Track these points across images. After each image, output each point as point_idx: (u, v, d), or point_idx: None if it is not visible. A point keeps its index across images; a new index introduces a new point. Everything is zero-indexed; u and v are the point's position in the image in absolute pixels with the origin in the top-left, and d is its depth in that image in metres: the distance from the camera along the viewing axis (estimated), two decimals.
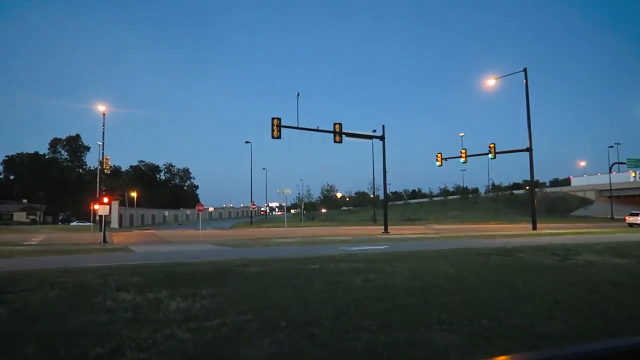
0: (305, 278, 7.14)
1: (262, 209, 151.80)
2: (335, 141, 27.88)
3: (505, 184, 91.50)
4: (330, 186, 72.38)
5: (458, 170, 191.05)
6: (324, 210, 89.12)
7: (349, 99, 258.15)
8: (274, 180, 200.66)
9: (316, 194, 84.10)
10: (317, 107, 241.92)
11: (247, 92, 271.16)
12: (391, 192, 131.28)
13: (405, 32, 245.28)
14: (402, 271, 7.91)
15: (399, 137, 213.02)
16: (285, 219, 29.81)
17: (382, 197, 67.29)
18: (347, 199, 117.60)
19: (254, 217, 73.44)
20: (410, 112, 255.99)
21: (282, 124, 26.23)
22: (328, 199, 73.50)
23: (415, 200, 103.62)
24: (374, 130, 37.47)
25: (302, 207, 63.65)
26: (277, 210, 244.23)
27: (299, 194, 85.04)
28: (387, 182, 30.00)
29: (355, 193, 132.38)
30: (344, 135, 28.20)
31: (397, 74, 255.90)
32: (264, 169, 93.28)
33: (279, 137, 25.94)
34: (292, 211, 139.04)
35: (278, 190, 27.69)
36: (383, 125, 30.47)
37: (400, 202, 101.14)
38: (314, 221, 68.22)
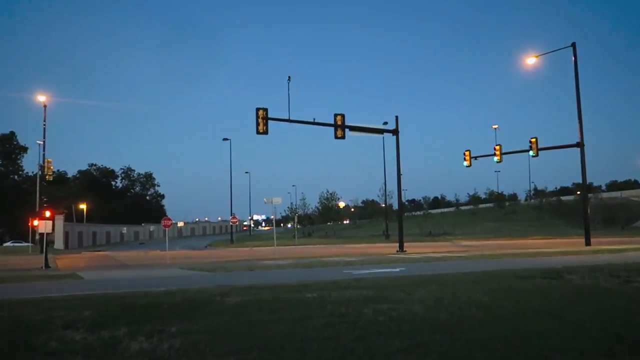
0: (300, 310, 7.14)
1: (245, 223, 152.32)
2: (336, 137, 27.95)
3: (550, 188, 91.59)
4: (331, 194, 72.51)
5: (491, 172, 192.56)
6: (328, 224, 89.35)
7: (353, 89, 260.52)
8: (259, 188, 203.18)
9: (313, 204, 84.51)
10: (313, 100, 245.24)
11: (229, 83, 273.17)
12: (408, 201, 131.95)
13: (417, 5, 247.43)
14: (422, 299, 7.93)
15: (415, 135, 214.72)
16: (275, 235, 29.83)
17: (396, 206, 68.21)
18: (352, 209, 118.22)
19: (235, 233, 73.38)
20: (426, 105, 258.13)
21: (270, 115, 26.34)
22: (328, 209, 73.58)
23: (438, 210, 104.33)
24: (385, 123, 37.67)
25: (296, 220, 63.67)
26: (263, 224, 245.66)
27: (292, 204, 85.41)
28: (403, 187, 30.20)
29: (363, 202, 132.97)
30: (347, 130, 28.32)
31: (409, 59, 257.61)
32: (246, 172, 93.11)
33: (265, 133, 26.01)
34: (284, 226, 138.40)
35: (265, 200, 27.67)
36: (396, 117, 30.61)
37: (419, 213, 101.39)
38: (310, 238, 68.24)
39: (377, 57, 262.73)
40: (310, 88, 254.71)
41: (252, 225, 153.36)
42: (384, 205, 63.93)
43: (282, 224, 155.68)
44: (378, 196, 65.99)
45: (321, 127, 29.14)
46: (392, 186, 63.86)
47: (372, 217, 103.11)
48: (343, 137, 28.13)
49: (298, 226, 76.45)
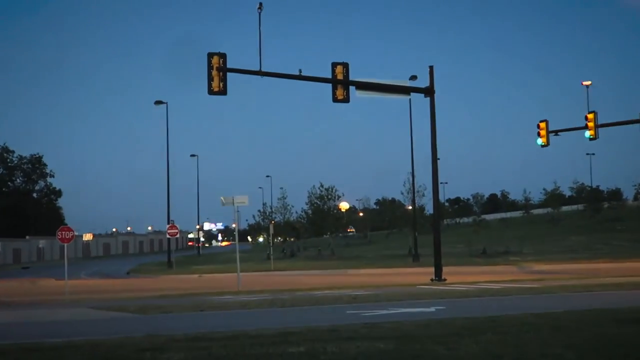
0: None
1: (192, 236, 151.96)
2: (336, 99, 28.00)
3: None
4: (327, 190, 72.27)
5: (578, 156, 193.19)
6: (323, 237, 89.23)
7: (359, 31, 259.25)
8: (214, 182, 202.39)
9: (299, 206, 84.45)
10: (299, 46, 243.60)
11: (167, 17, 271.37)
12: (448, 201, 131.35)
13: None
14: (471, 357, 8.01)
15: (457, 101, 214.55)
16: (238, 255, 29.79)
17: (429, 209, 67.73)
18: (361, 214, 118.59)
19: (176, 252, 73.29)
20: (472, 57, 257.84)
21: (231, 65, 26.31)
22: (323, 214, 73.52)
23: (497, 216, 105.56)
24: (413, 78, 37.70)
25: (271, 231, 63.50)
26: (220, 238, 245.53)
27: (265, 205, 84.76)
28: (441, 180, 30.32)
29: (377, 203, 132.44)
30: (353, 89, 28.36)
31: None
32: (193, 155, 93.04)
33: (222, 92, 25.99)
34: (252, 240, 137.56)
35: (222, 200, 27.60)
36: (431, 68, 30.62)
37: (467, 220, 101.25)
38: (295, 259, 68.19)
39: None
40: (294, 28, 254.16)
41: (202, 239, 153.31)
42: (410, 207, 63.99)
43: (249, 238, 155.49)
44: (401, 194, 65.16)
45: (312, 84, 29.11)
46: (423, 178, 63.88)
47: (392, 227, 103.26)
48: (346, 100, 28.12)
49: (276, 240, 76.34)
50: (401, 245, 69.52)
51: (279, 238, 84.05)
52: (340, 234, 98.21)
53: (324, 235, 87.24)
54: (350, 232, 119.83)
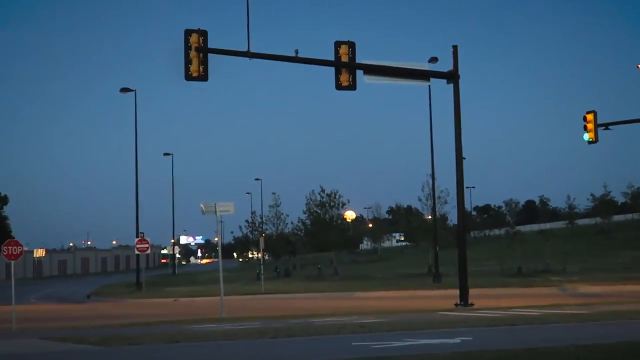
0: None
1: (165, 251, 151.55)
2: (340, 86, 28.03)
3: None
4: (330, 195, 72.15)
5: (634, 155, 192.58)
6: (324, 253, 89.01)
7: (365, 11, 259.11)
8: (193, 187, 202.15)
9: (296, 214, 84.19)
10: (296, 26, 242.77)
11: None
12: (476, 209, 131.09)
13: None
14: None
15: (484, 90, 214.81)
16: (222, 274, 29.71)
17: (453, 219, 67.30)
18: (370, 225, 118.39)
19: (147, 271, 73.27)
20: (497, 42, 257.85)
21: (212, 45, 26.36)
22: (324, 225, 73.41)
23: (534, 227, 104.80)
24: (433, 60, 37.84)
25: (262, 245, 63.31)
26: (200, 254, 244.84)
27: (254, 214, 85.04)
28: (467, 183, 30.26)
29: (390, 212, 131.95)
30: (361, 73, 28.38)
31: None
32: (167, 154, 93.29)
33: (201, 78, 26.04)
34: (239, 256, 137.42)
35: (203, 208, 27.54)
36: (454, 47, 30.57)
37: (498, 232, 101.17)
38: (291, 279, 67.95)
39: None
40: (290, 2, 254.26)
41: (178, 255, 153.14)
42: (430, 216, 64.01)
43: (235, 254, 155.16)
44: (419, 200, 65.26)
45: (311, 69, 29.16)
46: (445, 182, 63.79)
47: (408, 240, 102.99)
48: (352, 87, 28.13)
49: (265, 258, 76.24)
50: (419, 263, 69.33)
51: (270, 255, 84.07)
52: (346, 249, 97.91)
53: (326, 251, 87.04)
54: (360, 247, 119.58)
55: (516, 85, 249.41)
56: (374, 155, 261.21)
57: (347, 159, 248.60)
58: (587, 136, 34.27)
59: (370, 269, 78.63)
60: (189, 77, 26.06)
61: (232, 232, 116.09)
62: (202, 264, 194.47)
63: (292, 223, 77.43)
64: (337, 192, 70.26)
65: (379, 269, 76.92)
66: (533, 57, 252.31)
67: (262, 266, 59.28)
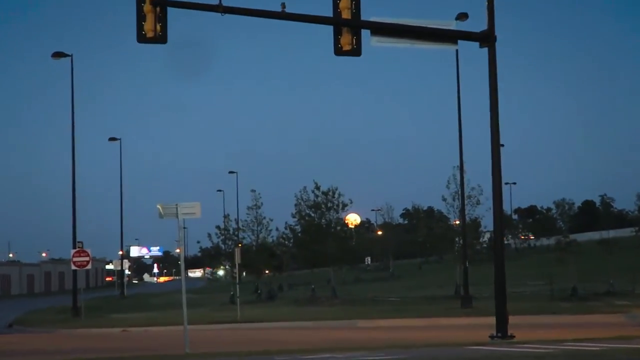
0: None
1: (111, 267, 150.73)
2: (340, 50, 28.07)
3: None
4: (326, 194, 72.05)
5: None
6: (318, 270, 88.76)
7: None
8: (148, 185, 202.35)
9: (282, 218, 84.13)
10: None
11: None
12: (517, 211, 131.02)
13: None
14: None
15: (523, 66, 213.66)
16: (185, 296, 29.69)
17: (488, 224, 67.37)
18: (379, 233, 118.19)
19: (87, 292, 73.05)
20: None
21: None
22: (320, 232, 73.36)
23: (593, 235, 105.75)
24: (461, 17, 37.77)
25: (237, 258, 62.93)
26: (156, 270, 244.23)
27: (227, 217, 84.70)
28: (507, 179, 30.26)
29: (406, 216, 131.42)
30: (367, 33, 28.41)
31: None
32: (113, 139, 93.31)
33: (158, 39, 26.08)
34: (208, 273, 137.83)
35: (160, 210, 27.47)
36: (489, 1, 30.54)
37: (546, 242, 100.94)
38: (275, 302, 68.11)
39: None
40: None
41: (128, 272, 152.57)
42: (457, 222, 63.96)
43: (202, 270, 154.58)
44: (443, 200, 64.98)
45: (302, 30, 29.05)
46: (477, 177, 63.75)
47: (427, 253, 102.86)
48: (355, 53, 28.15)
49: (244, 275, 76.10)
50: (443, 281, 69.49)
51: (248, 271, 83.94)
52: (348, 265, 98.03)
53: (321, 267, 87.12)
54: (367, 262, 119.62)
55: (568, 52, 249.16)
56: (383, 143, 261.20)
57: (348, 148, 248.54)
58: None
59: (379, 289, 78.91)
60: (142, 38, 26.06)
61: (198, 242, 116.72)
62: (160, 282, 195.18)
63: (277, 230, 77.64)
64: (337, 189, 70.31)
65: (391, 289, 77.16)
66: (590, 23, 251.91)
67: (237, 286, 59.00)
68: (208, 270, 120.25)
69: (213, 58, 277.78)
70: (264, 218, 75.45)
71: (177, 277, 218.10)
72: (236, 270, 62.23)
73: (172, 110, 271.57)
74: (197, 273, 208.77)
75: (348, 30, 27.86)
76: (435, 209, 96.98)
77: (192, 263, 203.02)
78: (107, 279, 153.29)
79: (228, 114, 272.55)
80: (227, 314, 52.13)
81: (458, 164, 55.77)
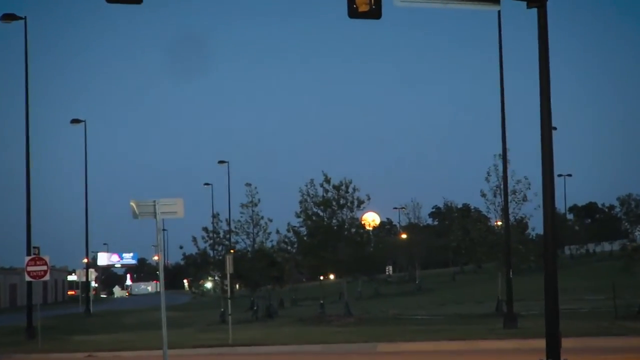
0: None
1: (74, 278, 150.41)
2: (356, 12, 28.07)
3: None
4: (338, 188, 72.07)
5: None
6: (325, 280, 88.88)
7: None
8: (121, 177, 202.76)
9: (284, 219, 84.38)
10: None
11: None
12: (572, 209, 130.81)
13: None
14: None
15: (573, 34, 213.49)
16: (165, 314, 29.79)
17: (538, 228, 66.71)
18: (404, 236, 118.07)
19: (46, 309, 73.26)
20: None
21: None
22: (329, 235, 73.50)
23: None
24: None
25: (229, 267, 62.98)
26: (129, 281, 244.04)
27: (216, 218, 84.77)
28: (559, 171, 30.20)
29: (434, 215, 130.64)
30: None
31: None
32: (75, 121, 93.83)
33: None
34: (194, 287, 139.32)
35: (135, 208, 27.65)
36: None
37: (609, 247, 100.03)
38: (274, 321, 68.23)
39: None
40: None
41: (95, 284, 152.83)
42: (500, 222, 64.10)
43: (186, 282, 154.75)
44: (482, 196, 65.10)
45: None
46: (523, 169, 63.89)
47: (463, 261, 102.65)
48: (374, 14, 28.13)
49: (237, 288, 76.21)
50: (482, 295, 69.55)
51: (243, 283, 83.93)
52: (365, 275, 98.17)
53: (332, 277, 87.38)
54: (389, 271, 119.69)
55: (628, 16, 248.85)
56: (407, 129, 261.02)
57: (365, 134, 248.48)
58: None
59: (403, 306, 79.08)
60: None
61: (181, 248, 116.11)
62: (138, 295, 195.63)
63: (277, 232, 77.63)
64: (351, 182, 70.30)
65: (418, 305, 77.38)
66: None
67: (229, 302, 59.24)
68: (189, 282, 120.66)
69: (199, 41, 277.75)
70: (262, 218, 75.60)
71: (154, 290, 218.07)
72: (227, 282, 62.27)
73: (149, 95, 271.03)
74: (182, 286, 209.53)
75: None
76: (472, 207, 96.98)
77: (173, 273, 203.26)
78: (70, 292, 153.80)
79: (216, 98, 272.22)
80: (216, 336, 52.30)
81: (500, 151, 55.69)
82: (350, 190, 69.39)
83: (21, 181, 62.66)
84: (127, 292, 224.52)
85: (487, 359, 33.48)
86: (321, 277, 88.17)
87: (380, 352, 41.74)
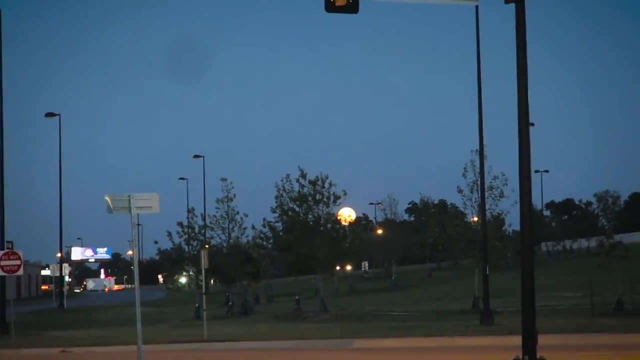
0: None
1: (47, 272, 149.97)
2: (332, 6, 28.02)
3: None
4: (314, 183, 72.04)
5: None
6: (301, 277, 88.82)
7: None
8: (93, 171, 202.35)
9: (259, 214, 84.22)
10: None
11: None
12: (548, 206, 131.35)
13: None
14: None
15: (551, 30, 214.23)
16: (139, 309, 29.72)
17: (515, 224, 67.52)
18: (380, 232, 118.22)
19: (19, 303, 73.00)
20: None
21: None
22: (306, 230, 73.42)
23: None
24: None
25: (204, 263, 62.87)
26: (104, 275, 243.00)
27: (191, 213, 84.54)
28: (536, 167, 30.21)
29: (411, 211, 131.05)
30: None
31: None
32: (50, 115, 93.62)
33: None
34: (170, 281, 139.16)
35: (109, 203, 27.54)
36: None
37: (586, 243, 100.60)
38: (250, 318, 67.90)
39: None
40: None
41: (69, 279, 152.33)
42: (476, 218, 64.21)
43: (160, 277, 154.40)
44: (459, 192, 65.15)
45: None
46: (500, 164, 63.96)
47: (439, 257, 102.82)
48: (351, 9, 28.14)
49: (212, 283, 76.04)
50: (458, 292, 69.62)
51: (217, 278, 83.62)
52: (341, 271, 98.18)
53: (308, 273, 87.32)
54: (364, 268, 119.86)
55: (616, 16, 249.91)
56: (382, 124, 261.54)
57: (343, 129, 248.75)
58: None
59: (379, 302, 79.10)
60: None
61: (156, 242, 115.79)
62: (108, 291, 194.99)
63: (253, 228, 77.46)
64: (327, 177, 70.18)
65: (394, 302, 77.41)
66: None
67: (204, 297, 59.13)
68: (164, 277, 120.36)
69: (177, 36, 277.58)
70: (237, 213, 75.40)
71: (129, 286, 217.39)
72: (202, 278, 62.05)
73: (126, 89, 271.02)
74: (156, 281, 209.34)
75: None
76: (449, 203, 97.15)
77: (148, 268, 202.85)
78: (43, 287, 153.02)
79: (192, 92, 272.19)
80: (191, 332, 52.23)
81: (477, 147, 55.74)
82: (326, 185, 69.37)
83: None
84: (82, 287, 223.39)
85: (462, 355, 33.52)
86: (299, 274, 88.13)
87: (356, 349, 41.75)
